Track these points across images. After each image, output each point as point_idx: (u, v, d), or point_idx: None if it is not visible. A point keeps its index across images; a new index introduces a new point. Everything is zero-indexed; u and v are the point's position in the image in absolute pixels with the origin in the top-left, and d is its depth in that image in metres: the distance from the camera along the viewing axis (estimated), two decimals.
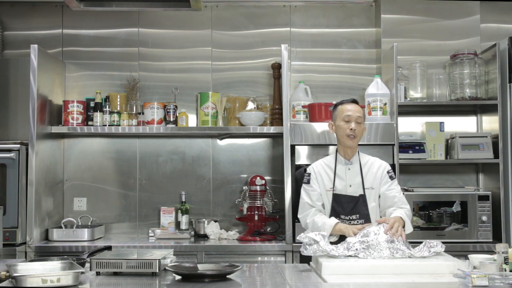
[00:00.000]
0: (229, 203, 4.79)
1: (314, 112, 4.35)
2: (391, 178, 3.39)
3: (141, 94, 4.77)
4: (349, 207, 3.34)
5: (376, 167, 3.40)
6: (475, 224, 4.24)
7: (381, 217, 3.34)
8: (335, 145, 4.22)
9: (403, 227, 3.14)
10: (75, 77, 4.87)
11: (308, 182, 3.43)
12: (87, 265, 2.88)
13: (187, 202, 4.69)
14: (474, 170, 4.75)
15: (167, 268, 2.80)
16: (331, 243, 3.10)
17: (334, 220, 3.25)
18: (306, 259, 3.29)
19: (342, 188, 3.37)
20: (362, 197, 3.34)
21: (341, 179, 3.38)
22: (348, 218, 3.33)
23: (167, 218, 4.60)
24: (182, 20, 4.90)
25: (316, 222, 3.29)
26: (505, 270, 2.67)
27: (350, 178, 3.38)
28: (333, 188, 3.38)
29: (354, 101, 3.43)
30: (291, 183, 4.24)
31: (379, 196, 3.38)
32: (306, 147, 4.28)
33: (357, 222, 3.31)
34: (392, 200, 3.33)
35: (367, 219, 3.32)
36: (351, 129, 3.31)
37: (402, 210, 3.26)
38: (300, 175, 3.70)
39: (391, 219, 3.12)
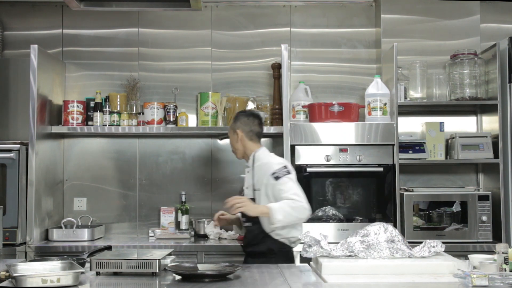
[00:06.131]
0: None
1: (314, 112, 4.35)
2: (276, 178, 3.45)
3: (141, 94, 4.77)
4: None
5: (263, 169, 3.53)
6: (475, 224, 4.24)
7: None
8: (335, 145, 4.28)
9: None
10: (75, 77, 4.87)
11: None
12: (87, 265, 2.89)
13: (187, 202, 4.69)
14: (474, 170, 4.75)
15: (167, 268, 2.80)
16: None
17: None
18: (306, 259, 3.29)
19: (242, 190, 3.67)
20: (253, 200, 3.49)
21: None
22: (243, 221, 3.57)
23: (167, 218, 4.60)
24: (182, 20, 4.90)
25: None
26: (505, 270, 2.67)
27: (246, 181, 3.67)
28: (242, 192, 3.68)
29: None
30: None
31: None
32: (306, 147, 4.28)
33: (246, 224, 3.52)
34: (281, 196, 3.41)
35: (255, 222, 3.47)
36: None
37: (280, 201, 3.36)
38: None
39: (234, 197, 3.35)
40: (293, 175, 3.49)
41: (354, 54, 4.89)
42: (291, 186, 3.41)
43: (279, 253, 3.47)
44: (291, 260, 3.55)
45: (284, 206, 3.32)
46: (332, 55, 4.91)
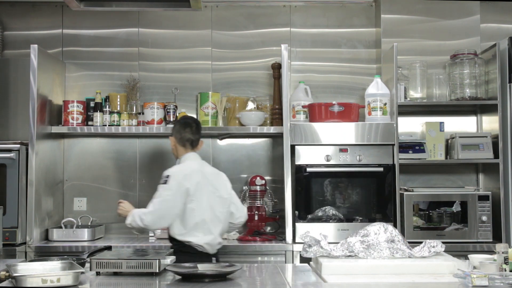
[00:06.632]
0: None
1: (314, 112, 4.35)
2: (158, 186, 3.64)
3: (141, 94, 4.76)
4: None
5: None
6: (475, 224, 4.24)
7: None
8: (335, 145, 4.28)
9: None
10: (75, 77, 4.87)
11: None
12: (87, 265, 2.89)
13: None
14: (474, 170, 4.75)
15: (167, 268, 2.80)
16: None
17: None
18: (306, 259, 3.29)
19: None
20: None
21: None
22: None
23: None
24: (182, 20, 4.90)
25: None
26: (505, 270, 2.67)
27: None
28: None
29: None
30: (291, 183, 4.24)
31: None
32: (306, 147, 4.28)
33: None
34: None
35: None
36: None
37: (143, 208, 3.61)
38: None
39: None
40: (168, 186, 3.59)
41: (354, 54, 4.89)
42: (156, 195, 3.59)
43: (182, 253, 3.52)
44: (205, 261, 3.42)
45: (137, 213, 3.54)
46: (332, 55, 4.91)
